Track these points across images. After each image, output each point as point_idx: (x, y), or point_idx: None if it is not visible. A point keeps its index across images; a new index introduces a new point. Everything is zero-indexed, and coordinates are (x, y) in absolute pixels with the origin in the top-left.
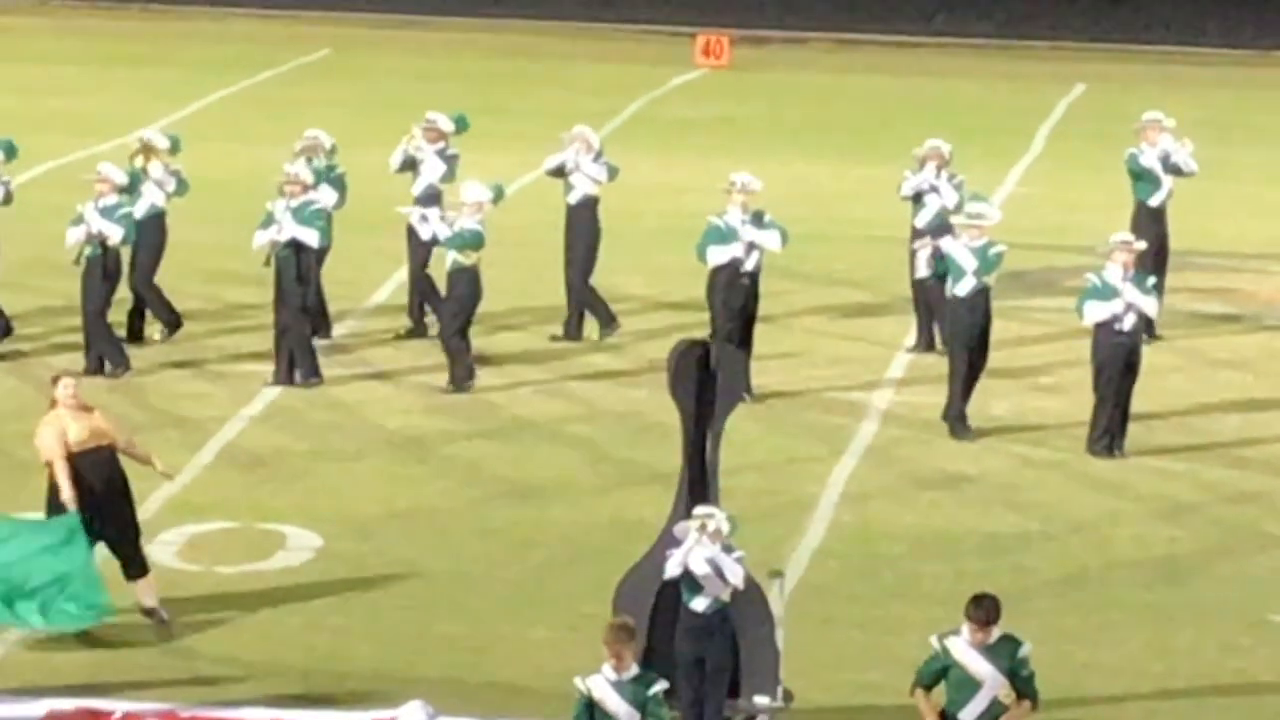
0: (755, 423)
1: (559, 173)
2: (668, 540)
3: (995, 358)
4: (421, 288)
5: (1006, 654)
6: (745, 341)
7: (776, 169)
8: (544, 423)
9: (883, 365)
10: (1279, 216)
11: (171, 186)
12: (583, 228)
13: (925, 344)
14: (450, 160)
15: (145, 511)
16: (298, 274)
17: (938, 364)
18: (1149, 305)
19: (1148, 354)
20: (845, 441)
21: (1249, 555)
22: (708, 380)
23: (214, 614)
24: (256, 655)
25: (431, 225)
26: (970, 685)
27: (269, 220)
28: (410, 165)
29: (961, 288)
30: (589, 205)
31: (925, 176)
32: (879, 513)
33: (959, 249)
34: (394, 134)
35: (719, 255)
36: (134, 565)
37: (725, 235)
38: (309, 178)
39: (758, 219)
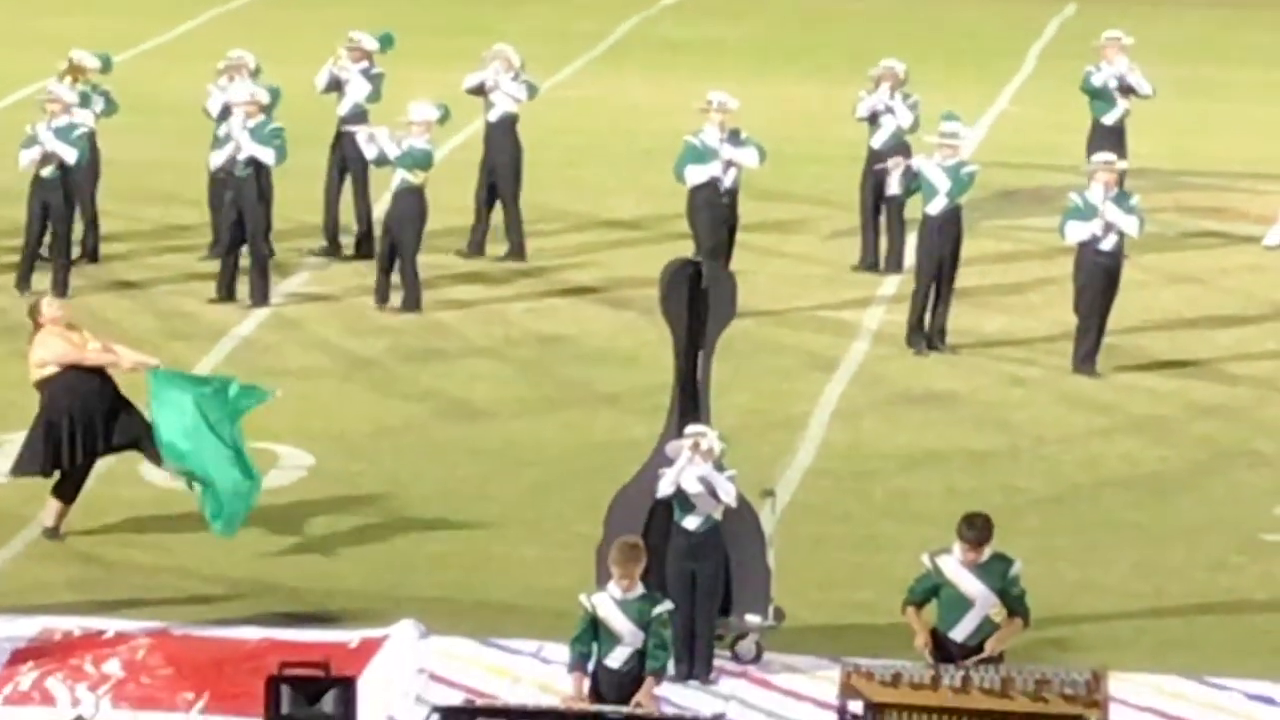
0: (746, 342)
1: (478, 91)
2: (660, 459)
3: (987, 275)
4: (362, 211)
5: (998, 573)
6: (727, 260)
7: (767, 90)
8: (537, 343)
9: (873, 285)
10: (1272, 135)
11: (100, 106)
12: (503, 146)
13: (895, 264)
14: (375, 79)
15: None
16: (259, 193)
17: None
18: (1129, 225)
19: (1137, 272)
20: (836, 361)
21: (1239, 473)
22: (699, 299)
23: (206, 533)
24: (248, 574)
25: (379, 144)
26: (962, 604)
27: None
28: (336, 86)
29: (933, 207)
30: (508, 123)
31: (880, 97)
32: (870, 432)
33: (931, 168)
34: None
35: (697, 174)
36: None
37: (703, 154)
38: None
39: (734, 137)
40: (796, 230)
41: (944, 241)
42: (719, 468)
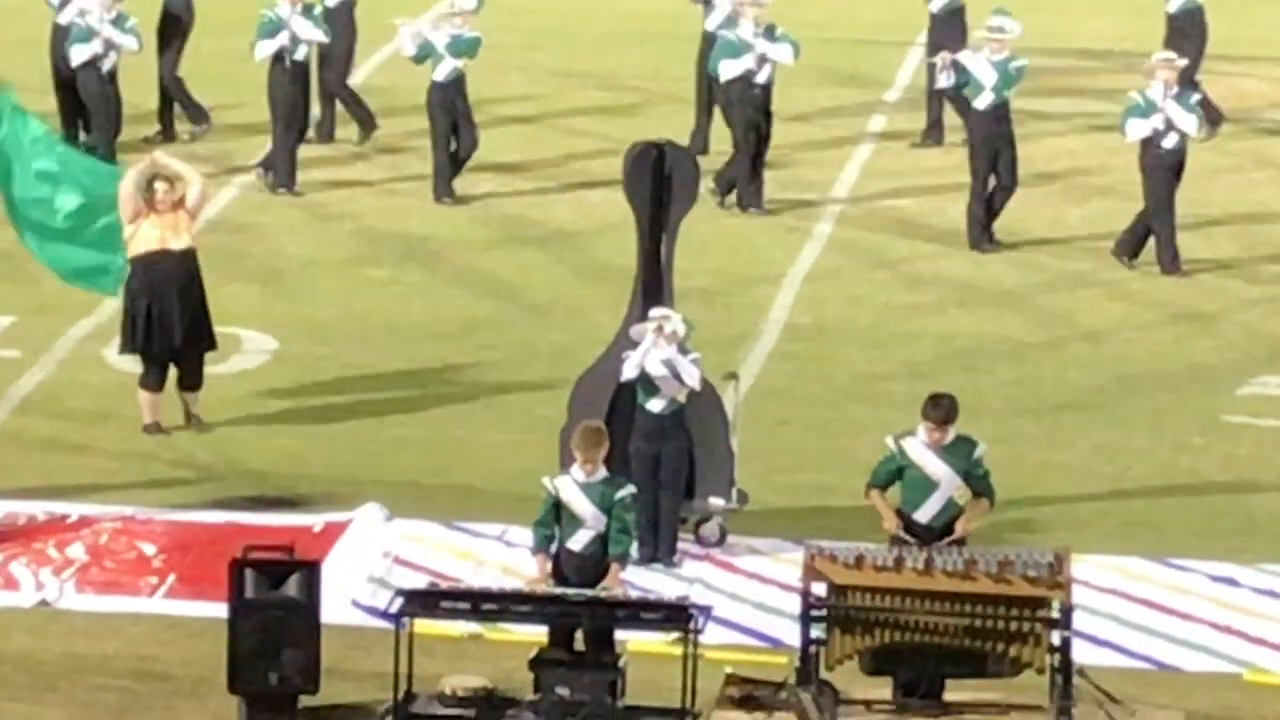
0: (710, 225)
1: None
2: (624, 343)
3: (947, 158)
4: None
5: (962, 454)
6: (760, 154)
7: None
8: (500, 226)
9: (835, 167)
10: (1233, 18)
11: None
12: (340, 31)
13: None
14: None
15: (99, 316)
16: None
17: (893, 162)
18: (1188, 123)
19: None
20: (800, 244)
21: (1201, 356)
22: (661, 182)
23: (170, 418)
24: (212, 458)
25: (425, 34)
26: (926, 485)
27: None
28: None
29: (981, 101)
30: (346, 8)
31: None
32: (834, 315)
33: (979, 63)
34: None
35: (731, 69)
36: (191, 376)
37: (737, 49)
38: None
39: (769, 32)
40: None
41: (995, 135)
42: (683, 350)
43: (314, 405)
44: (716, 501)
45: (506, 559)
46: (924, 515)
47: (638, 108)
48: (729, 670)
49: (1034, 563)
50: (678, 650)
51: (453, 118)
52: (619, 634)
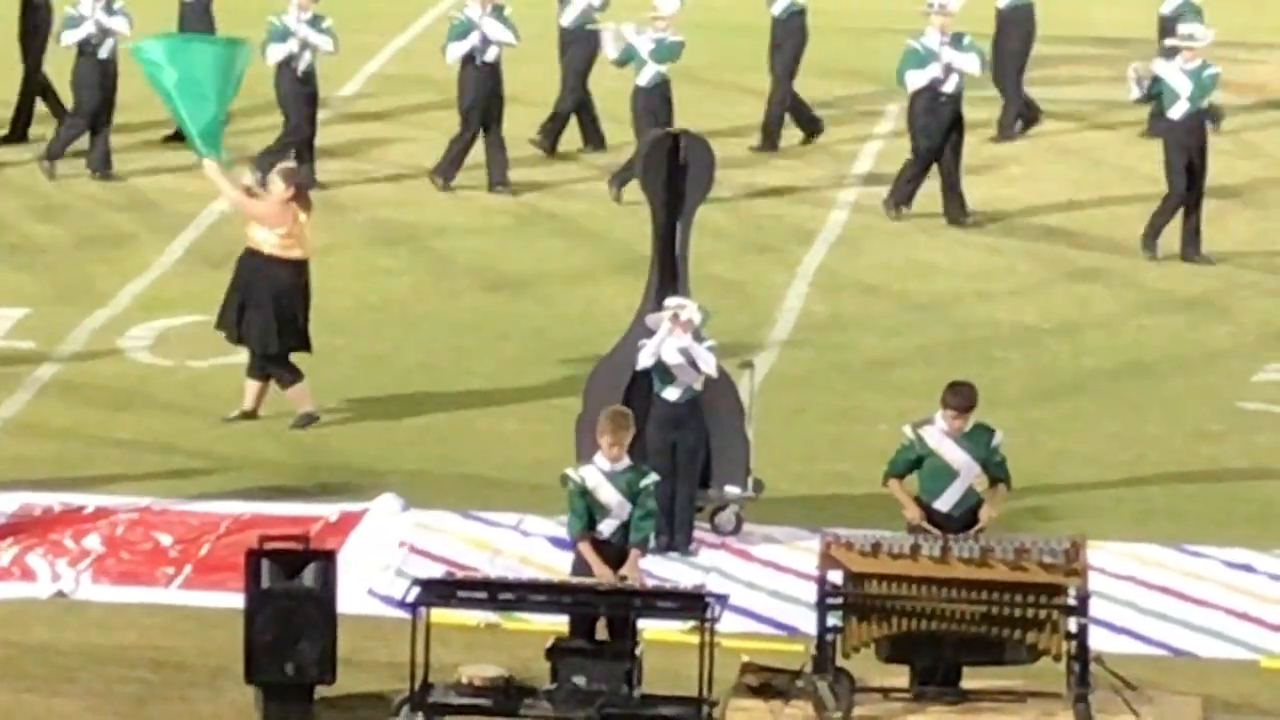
0: (725, 214)
1: None
2: (639, 331)
3: (968, 146)
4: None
5: (981, 442)
6: (953, 166)
7: None
8: (514, 215)
9: (849, 157)
10: (1250, 6)
11: None
12: None
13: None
14: None
15: (114, 307)
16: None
17: (903, 156)
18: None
19: (1130, 147)
20: (815, 232)
21: (1218, 342)
22: (677, 171)
23: (186, 408)
24: (229, 449)
25: (627, 38)
26: (946, 474)
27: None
28: None
29: (1175, 111)
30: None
31: None
32: (849, 303)
33: (1172, 72)
34: None
35: (917, 79)
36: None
37: (923, 58)
38: None
39: (956, 41)
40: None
41: (1190, 145)
42: (698, 339)
43: (328, 395)
44: (732, 490)
45: (523, 548)
46: (944, 504)
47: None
48: (745, 658)
49: (1050, 550)
50: (694, 639)
51: (654, 123)
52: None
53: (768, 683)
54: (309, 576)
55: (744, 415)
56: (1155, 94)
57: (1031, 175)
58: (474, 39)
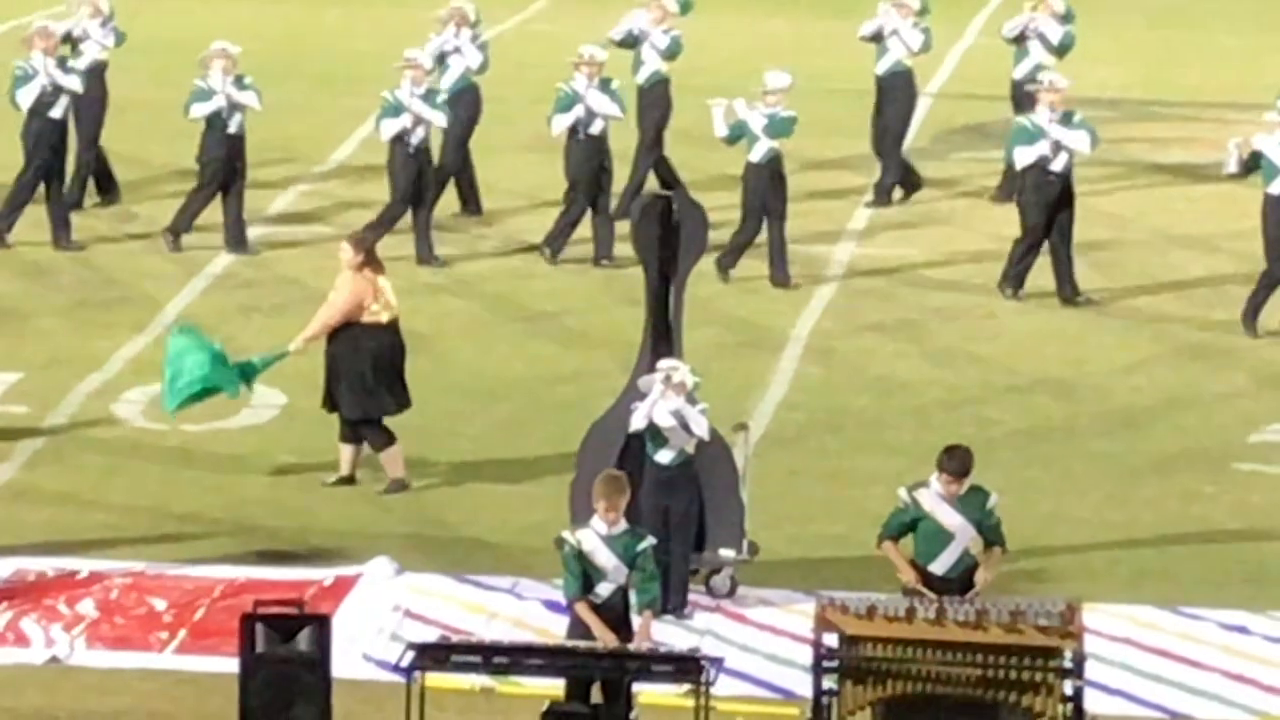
0: (718, 276)
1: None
2: (632, 393)
3: (958, 207)
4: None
5: (976, 505)
6: (1061, 245)
7: (738, 23)
8: (507, 279)
9: (844, 217)
10: (1242, 65)
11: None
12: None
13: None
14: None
15: (108, 371)
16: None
17: (898, 215)
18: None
19: (1112, 204)
20: (808, 294)
21: (1211, 404)
22: (670, 233)
23: (180, 473)
24: (222, 513)
25: (740, 114)
26: (941, 537)
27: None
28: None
29: (1276, 187)
30: (98, 71)
31: (446, 38)
32: (843, 365)
33: (1272, 147)
34: None
35: (1025, 155)
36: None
37: (1032, 135)
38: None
39: (1067, 118)
40: None
41: None
42: (691, 401)
43: (323, 459)
44: (727, 553)
45: (518, 612)
46: (939, 567)
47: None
48: None
49: (1046, 612)
50: (690, 702)
51: (767, 200)
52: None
53: None
54: (303, 641)
55: (738, 477)
56: (1253, 168)
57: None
58: (578, 111)
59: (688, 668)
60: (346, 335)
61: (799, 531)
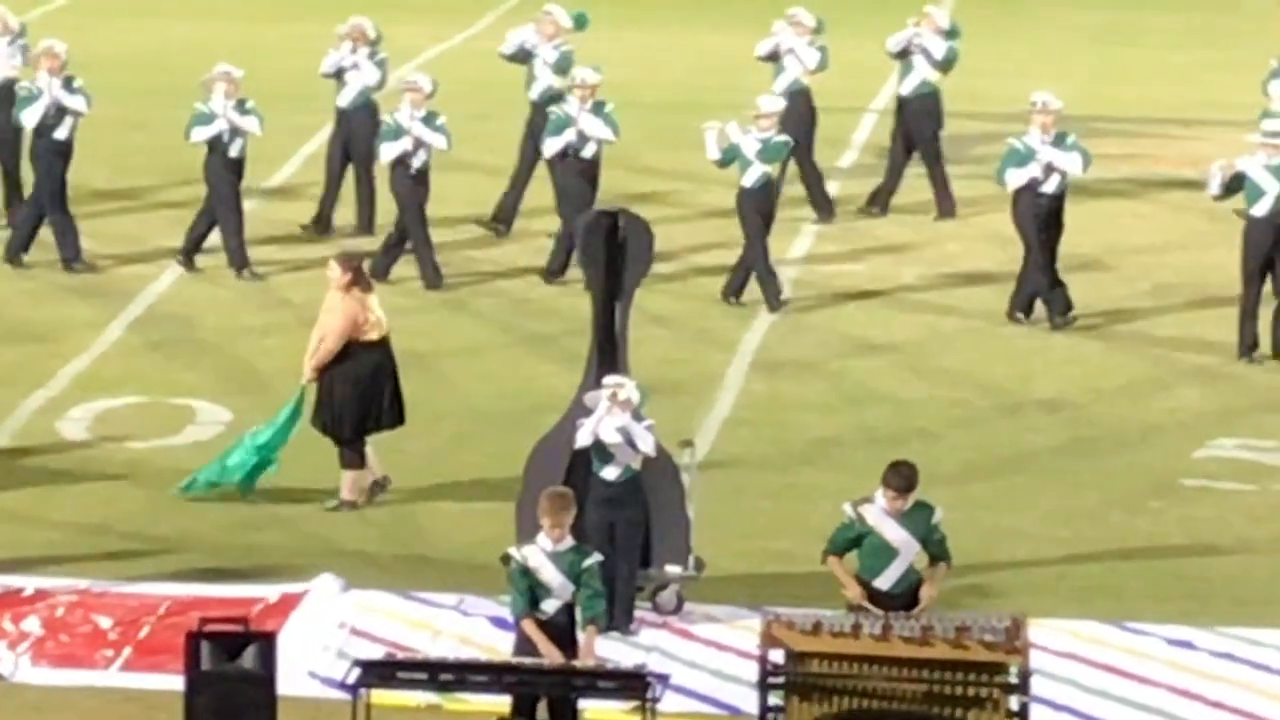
0: (664, 294)
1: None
2: (578, 410)
3: (905, 224)
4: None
5: (921, 520)
6: (1050, 263)
7: (683, 39)
8: (453, 295)
9: (790, 235)
10: (1184, 81)
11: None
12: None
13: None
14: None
15: (53, 388)
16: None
17: (842, 234)
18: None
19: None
20: (754, 311)
21: (1157, 418)
22: (616, 249)
23: (125, 490)
24: (168, 530)
25: (732, 138)
26: (886, 553)
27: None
28: (338, 73)
29: (1259, 209)
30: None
31: (343, 55)
32: (789, 381)
33: (1256, 169)
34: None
35: (1017, 178)
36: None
37: (1024, 157)
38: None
39: (1060, 140)
40: (711, 181)
41: (1273, 243)
42: (637, 418)
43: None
44: (673, 569)
45: (464, 629)
46: (884, 583)
47: (673, 173)
48: None
49: (991, 628)
50: (636, 719)
51: (762, 224)
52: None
53: None
54: (249, 658)
55: (684, 494)
56: (1235, 190)
57: (967, 251)
58: (569, 135)
59: (634, 685)
60: (338, 356)
61: (745, 547)
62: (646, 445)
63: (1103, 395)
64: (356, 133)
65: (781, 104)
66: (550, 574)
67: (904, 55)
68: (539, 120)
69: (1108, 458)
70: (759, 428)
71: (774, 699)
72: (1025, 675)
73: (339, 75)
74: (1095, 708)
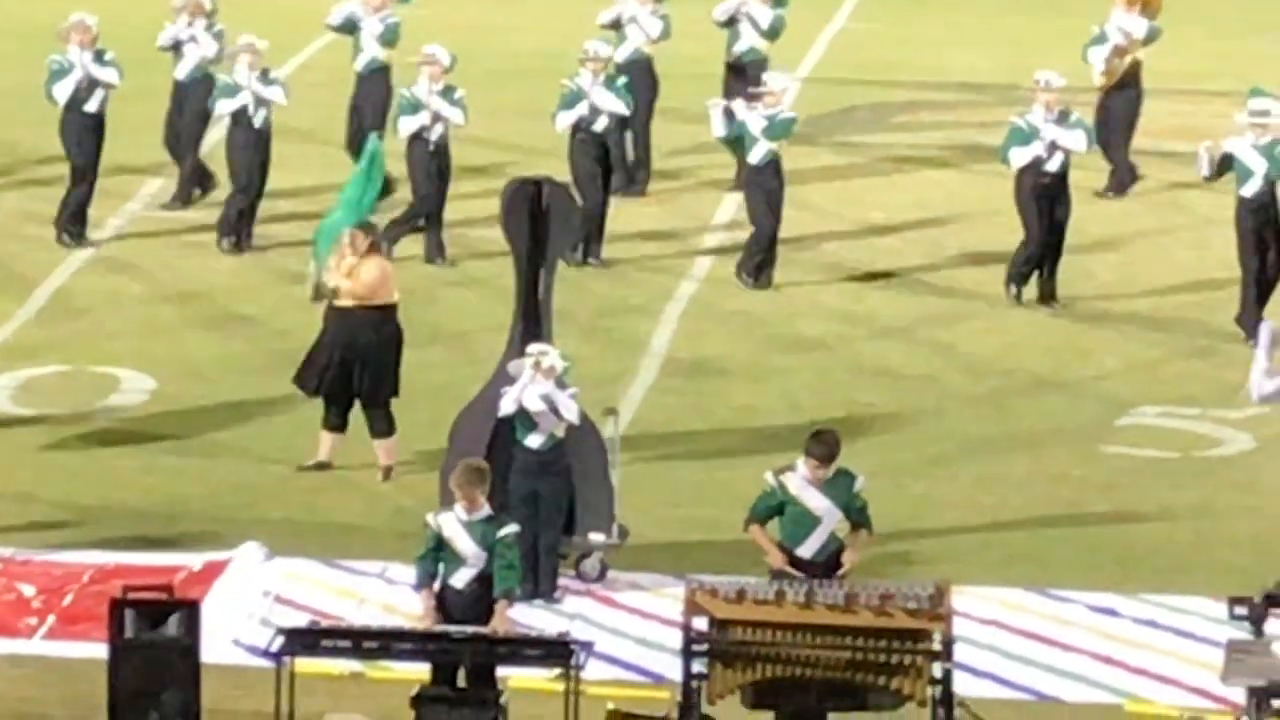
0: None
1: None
2: (502, 378)
3: (824, 192)
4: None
5: (843, 487)
6: (1056, 246)
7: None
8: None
9: (716, 199)
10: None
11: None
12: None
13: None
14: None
15: None
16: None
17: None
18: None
19: (985, 188)
20: (678, 279)
21: (1080, 388)
22: (540, 218)
23: (49, 457)
24: (92, 499)
25: (740, 115)
26: (808, 521)
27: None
28: (175, 46)
29: (1248, 189)
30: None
31: (180, 28)
32: (713, 350)
33: (1244, 149)
34: None
35: (1021, 156)
36: (380, 423)
37: (1027, 135)
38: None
39: (1063, 118)
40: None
41: (1263, 222)
42: (561, 385)
43: (192, 444)
44: (597, 537)
45: (388, 596)
46: (807, 550)
47: (517, 146)
48: (611, 706)
49: (915, 595)
50: (559, 686)
51: (768, 201)
52: (501, 670)
53: None
54: (173, 626)
55: (608, 462)
56: (1225, 171)
57: (889, 219)
58: (582, 109)
59: (557, 652)
60: (362, 319)
61: (668, 515)
62: (570, 413)
63: (1025, 363)
64: (193, 105)
65: (787, 81)
66: (464, 543)
67: (731, 23)
68: (364, 92)
69: (1031, 426)
70: (683, 396)
71: (697, 666)
72: (949, 642)
73: (176, 48)
74: (1018, 674)
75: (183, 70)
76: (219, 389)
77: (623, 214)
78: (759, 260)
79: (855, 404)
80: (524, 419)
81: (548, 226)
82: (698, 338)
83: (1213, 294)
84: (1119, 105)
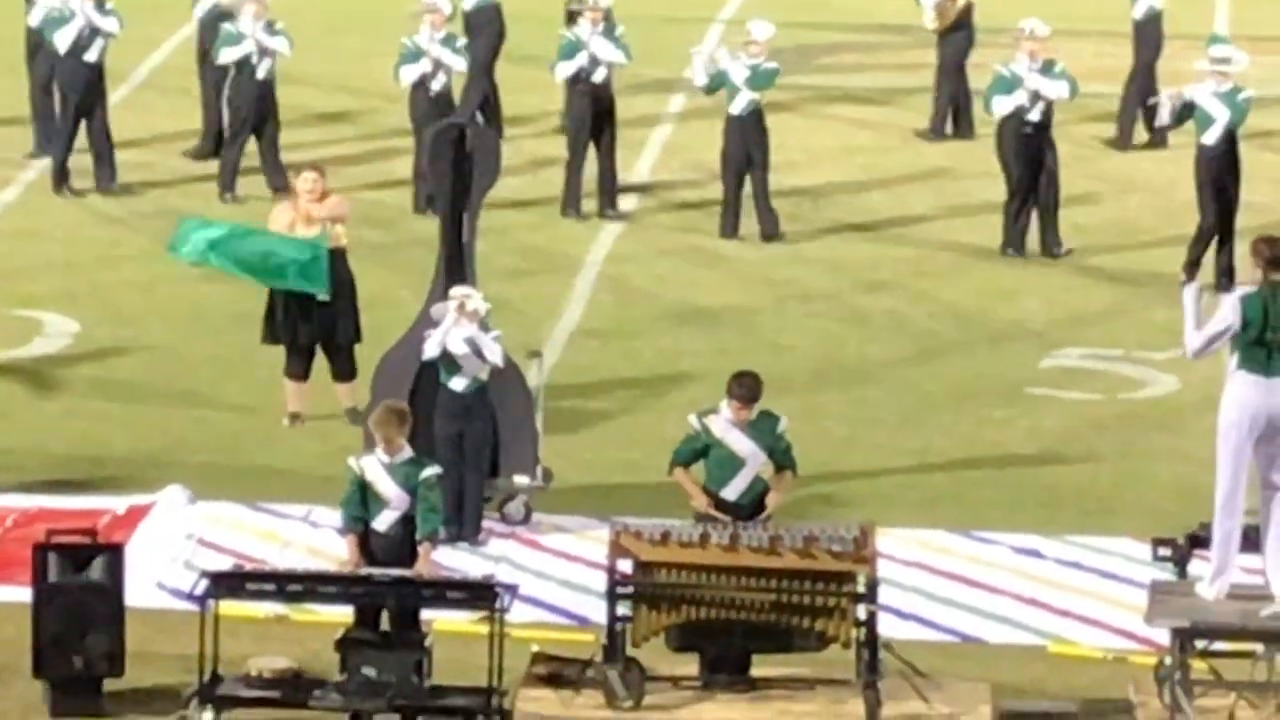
0: (512, 206)
1: None
2: (425, 321)
3: None
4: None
5: (766, 429)
6: (1049, 195)
7: None
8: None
9: (639, 144)
10: None
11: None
12: None
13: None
14: None
15: None
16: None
17: (694, 142)
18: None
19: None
20: (602, 221)
21: (1004, 330)
22: (463, 160)
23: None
24: (14, 442)
25: (722, 64)
26: (732, 463)
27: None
28: None
29: (1209, 136)
30: None
31: None
32: (637, 292)
33: (1206, 97)
34: None
35: (1003, 105)
36: (341, 365)
37: (1010, 84)
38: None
39: (1047, 68)
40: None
41: (1223, 171)
42: (485, 328)
43: (116, 388)
44: (521, 479)
45: (312, 540)
46: (731, 493)
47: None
48: (535, 648)
49: (839, 537)
50: (484, 629)
51: (747, 152)
52: (425, 613)
53: (558, 672)
54: (97, 570)
55: (532, 405)
56: (1185, 119)
57: (811, 161)
58: (581, 59)
59: (482, 595)
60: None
61: (593, 458)
62: (494, 356)
63: (949, 306)
64: (43, 56)
65: (771, 30)
66: (386, 486)
67: None
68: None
69: (955, 368)
70: (607, 338)
71: (622, 609)
72: (873, 584)
73: None
74: (942, 616)
75: (35, 18)
76: (145, 334)
77: (548, 157)
78: (733, 216)
79: (779, 347)
80: (448, 362)
81: (471, 169)
82: (622, 280)
83: (1138, 237)
84: (949, 47)
